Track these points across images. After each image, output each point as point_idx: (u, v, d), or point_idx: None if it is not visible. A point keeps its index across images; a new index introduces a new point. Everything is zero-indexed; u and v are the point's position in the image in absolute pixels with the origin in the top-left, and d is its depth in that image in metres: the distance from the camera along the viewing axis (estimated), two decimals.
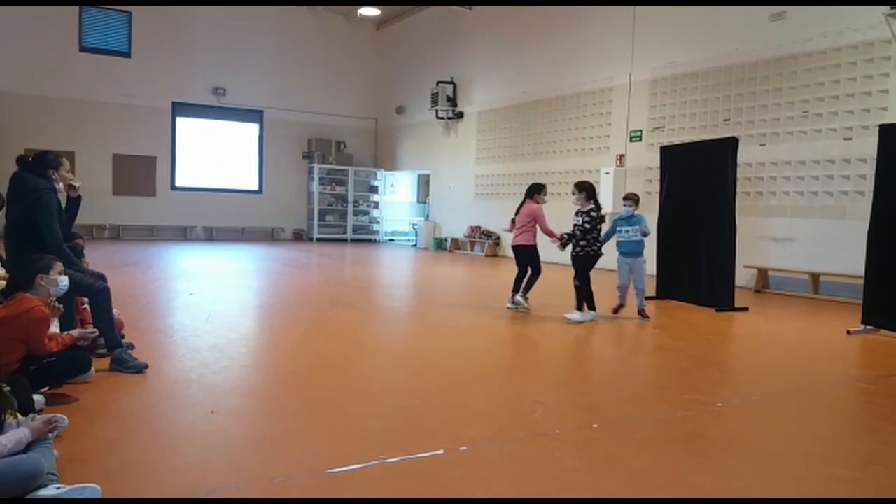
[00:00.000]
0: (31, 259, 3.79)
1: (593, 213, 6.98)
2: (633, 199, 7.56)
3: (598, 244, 7.06)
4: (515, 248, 7.63)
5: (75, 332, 3.88)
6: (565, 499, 2.70)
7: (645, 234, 7.36)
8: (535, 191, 7.63)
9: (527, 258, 7.52)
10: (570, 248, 7.08)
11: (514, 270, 7.61)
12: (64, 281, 3.82)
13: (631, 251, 7.35)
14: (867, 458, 3.33)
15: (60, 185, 4.48)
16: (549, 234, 7.33)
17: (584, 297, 6.98)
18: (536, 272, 7.51)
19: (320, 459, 2.98)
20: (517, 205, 7.73)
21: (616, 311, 7.39)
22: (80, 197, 4.78)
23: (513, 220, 7.67)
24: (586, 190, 7.04)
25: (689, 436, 3.54)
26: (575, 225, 7.07)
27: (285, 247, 16.67)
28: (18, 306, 3.52)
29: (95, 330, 4.19)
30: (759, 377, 5.01)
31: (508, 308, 7.50)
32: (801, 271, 9.64)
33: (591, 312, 6.98)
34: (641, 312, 7.29)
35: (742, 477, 2.95)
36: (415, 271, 12.86)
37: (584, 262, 7.04)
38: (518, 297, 7.47)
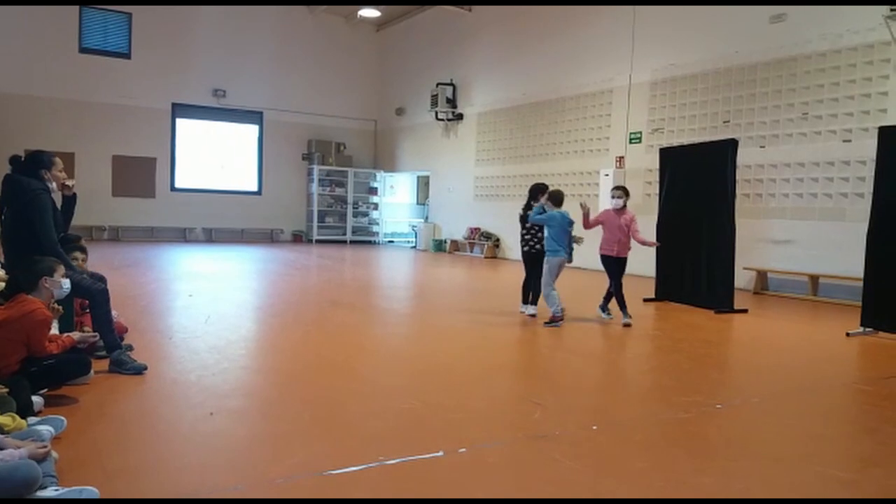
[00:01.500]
0: (33, 260, 3.79)
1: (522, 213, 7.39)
2: (542, 191, 7.06)
3: (538, 244, 7.20)
4: (621, 259, 7.24)
5: (76, 335, 3.88)
6: (565, 499, 2.70)
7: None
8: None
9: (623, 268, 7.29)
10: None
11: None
12: (67, 283, 3.83)
13: None
14: (866, 460, 3.33)
15: (54, 185, 4.47)
16: (642, 242, 7.35)
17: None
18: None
19: (320, 460, 2.98)
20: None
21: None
22: (75, 195, 4.75)
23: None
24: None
25: (689, 437, 3.55)
26: None
27: (285, 248, 16.67)
28: (20, 308, 3.52)
29: (96, 334, 4.19)
30: (758, 379, 5.01)
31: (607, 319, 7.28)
32: (800, 273, 9.64)
33: (527, 305, 7.32)
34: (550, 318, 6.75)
35: (742, 478, 2.96)
36: (414, 273, 12.86)
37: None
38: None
